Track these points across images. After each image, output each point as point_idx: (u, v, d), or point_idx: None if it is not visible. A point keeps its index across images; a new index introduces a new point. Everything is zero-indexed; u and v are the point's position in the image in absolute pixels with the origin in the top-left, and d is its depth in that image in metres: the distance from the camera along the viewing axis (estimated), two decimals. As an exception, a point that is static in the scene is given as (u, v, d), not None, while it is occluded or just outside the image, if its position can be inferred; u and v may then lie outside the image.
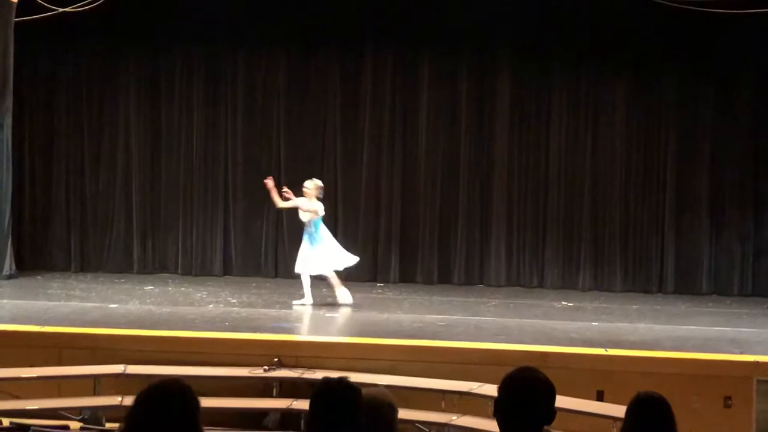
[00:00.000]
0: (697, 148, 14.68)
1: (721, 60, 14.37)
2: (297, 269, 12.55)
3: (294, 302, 12.49)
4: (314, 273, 12.46)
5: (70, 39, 14.70)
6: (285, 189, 12.40)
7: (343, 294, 12.51)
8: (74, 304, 12.39)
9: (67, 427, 8.12)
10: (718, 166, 14.66)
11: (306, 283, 12.44)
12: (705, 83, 14.60)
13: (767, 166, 14.52)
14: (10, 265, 13.98)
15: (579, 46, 14.52)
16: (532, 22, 14.46)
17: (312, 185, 12.41)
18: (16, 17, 13.39)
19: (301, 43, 14.87)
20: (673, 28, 14.07)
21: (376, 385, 6.03)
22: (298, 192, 12.42)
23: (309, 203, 12.38)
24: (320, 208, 12.40)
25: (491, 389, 9.01)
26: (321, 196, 12.45)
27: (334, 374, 7.17)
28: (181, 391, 3.19)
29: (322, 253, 12.37)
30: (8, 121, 13.88)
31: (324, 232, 12.48)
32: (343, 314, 12.28)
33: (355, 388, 3.53)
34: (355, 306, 12.50)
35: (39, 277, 14.27)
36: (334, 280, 12.52)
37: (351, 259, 12.63)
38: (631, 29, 14.27)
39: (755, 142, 14.60)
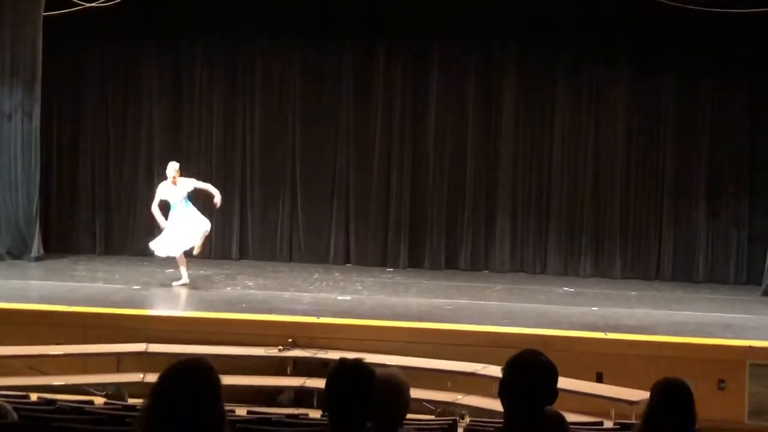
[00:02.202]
0: (695, 139, 14.79)
1: (718, 52, 14.43)
2: (174, 251, 12.44)
3: (175, 283, 12.57)
4: (176, 254, 12.48)
5: (95, 32, 14.87)
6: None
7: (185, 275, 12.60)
8: (99, 286, 12.65)
9: (91, 402, 8.30)
10: (716, 157, 14.78)
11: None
12: (703, 75, 14.70)
13: (762, 158, 14.65)
14: (38, 247, 14.26)
15: (582, 40, 14.66)
16: (537, 19, 14.62)
17: (171, 169, 12.37)
18: (45, 11, 13.66)
19: (316, 38, 15.05)
20: (673, 21, 14.13)
21: (385, 366, 6.30)
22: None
23: (175, 186, 12.34)
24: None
25: (495, 370, 9.18)
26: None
27: (346, 354, 7.47)
28: (204, 369, 3.13)
29: (183, 233, 12.37)
30: (36, 110, 14.18)
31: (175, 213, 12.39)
32: (354, 298, 12.48)
33: (369, 370, 3.58)
34: (364, 290, 12.72)
35: (65, 260, 14.49)
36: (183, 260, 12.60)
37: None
38: (632, 22, 14.37)
39: (751, 132, 14.69)
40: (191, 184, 12.41)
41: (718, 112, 14.78)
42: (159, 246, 12.43)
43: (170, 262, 14.62)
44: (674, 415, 4.08)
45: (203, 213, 12.60)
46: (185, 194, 12.32)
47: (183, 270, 12.57)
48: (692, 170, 14.88)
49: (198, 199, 12.74)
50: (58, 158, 15.39)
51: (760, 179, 14.71)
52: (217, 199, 12.55)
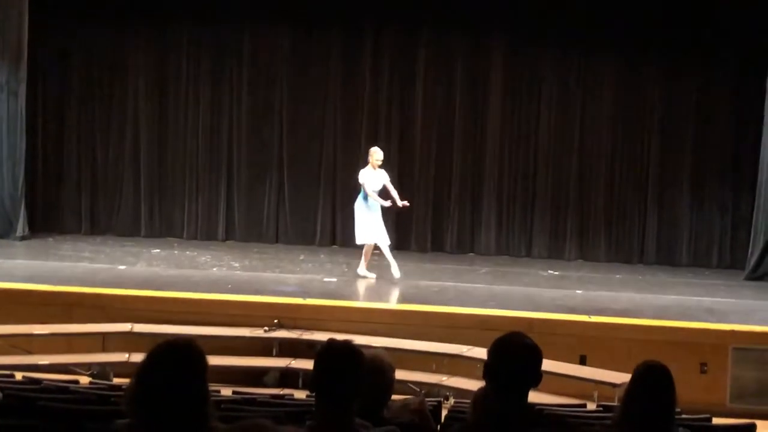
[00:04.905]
0: (680, 125, 14.85)
1: (704, 40, 14.48)
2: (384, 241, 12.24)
3: (396, 275, 12.22)
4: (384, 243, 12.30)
5: (82, 12, 14.84)
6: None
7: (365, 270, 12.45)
8: (84, 265, 12.62)
9: (76, 382, 8.26)
10: (700, 144, 14.83)
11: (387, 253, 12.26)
12: (689, 63, 14.74)
13: (746, 143, 14.64)
14: (24, 227, 14.24)
15: (570, 25, 14.65)
16: (525, 4, 14.64)
17: (374, 154, 12.24)
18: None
19: (304, 21, 15.00)
20: (661, 8, 14.29)
21: (371, 347, 6.32)
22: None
23: (374, 171, 12.21)
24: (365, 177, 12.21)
25: (480, 352, 9.32)
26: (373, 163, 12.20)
27: (331, 336, 7.50)
28: (190, 350, 3.18)
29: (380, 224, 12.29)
30: (22, 89, 14.12)
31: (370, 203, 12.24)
32: (340, 279, 12.52)
33: (358, 351, 3.62)
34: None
35: (51, 239, 14.46)
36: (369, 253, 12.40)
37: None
38: (621, 9, 14.41)
39: (736, 119, 14.75)
40: (386, 178, 12.26)
41: (703, 99, 14.82)
42: (369, 235, 12.22)
43: (155, 243, 14.65)
44: (654, 398, 4.11)
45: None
46: (381, 185, 12.18)
47: (391, 258, 12.28)
48: (677, 156, 14.92)
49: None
50: (43, 138, 15.29)
51: (744, 165, 14.72)
52: (394, 199, 12.26)
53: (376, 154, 12.23)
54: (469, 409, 4.90)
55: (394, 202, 12.25)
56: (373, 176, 12.18)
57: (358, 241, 12.38)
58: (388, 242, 12.35)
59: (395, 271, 12.22)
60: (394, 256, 12.38)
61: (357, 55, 15.13)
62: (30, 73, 14.31)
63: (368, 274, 12.39)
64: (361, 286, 12.22)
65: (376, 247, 12.35)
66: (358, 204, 12.26)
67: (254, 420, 3.21)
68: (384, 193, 12.26)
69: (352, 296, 11.44)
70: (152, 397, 3.11)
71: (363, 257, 12.41)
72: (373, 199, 12.14)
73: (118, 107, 15.32)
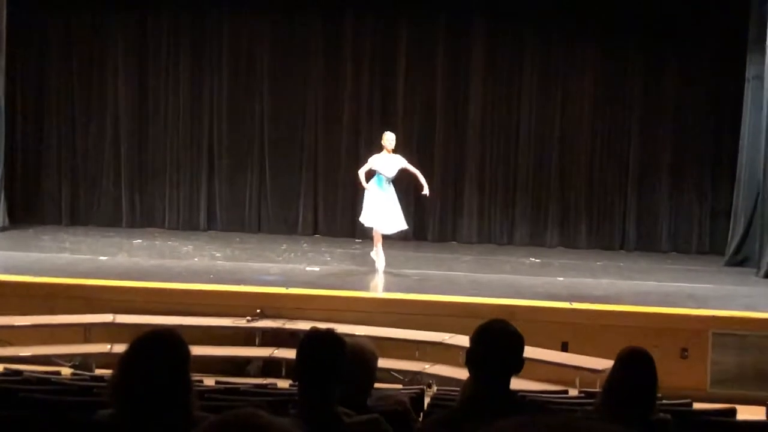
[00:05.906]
0: (660, 113, 14.89)
1: (685, 29, 14.54)
2: (386, 228, 12.11)
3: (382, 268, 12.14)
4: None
5: (60, 2, 14.78)
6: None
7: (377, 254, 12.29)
8: (65, 256, 12.54)
9: (58, 373, 8.21)
10: (679, 132, 14.90)
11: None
12: (668, 52, 14.79)
13: (726, 131, 14.70)
14: (3, 218, 14.17)
15: (551, 14, 14.68)
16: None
17: (388, 139, 12.03)
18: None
19: (285, 7, 14.95)
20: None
21: (354, 335, 6.34)
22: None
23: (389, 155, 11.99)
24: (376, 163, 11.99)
25: (462, 340, 9.33)
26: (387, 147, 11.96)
27: (314, 325, 7.50)
28: (172, 340, 3.23)
29: (394, 212, 12.11)
30: (1, 80, 13.97)
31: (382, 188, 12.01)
32: (322, 268, 12.51)
33: (340, 339, 3.66)
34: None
35: (31, 230, 14.36)
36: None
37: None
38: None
39: (715, 108, 14.82)
40: (403, 162, 12.00)
41: (683, 87, 14.86)
42: (374, 220, 12.01)
43: (137, 233, 14.59)
44: (636, 383, 4.14)
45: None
46: (396, 171, 11.94)
47: (380, 249, 12.13)
48: (657, 143, 14.97)
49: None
50: (22, 128, 15.19)
51: (723, 152, 14.76)
52: (426, 190, 12.08)
53: (387, 138, 12.01)
54: (458, 397, 4.93)
55: (422, 187, 12.09)
56: (384, 161, 11.94)
57: (362, 220, 12.27)
58: (389, 231, 12.17)
59: (380, 264, 12.14)
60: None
61: (338, 41, 15.09)
62: (8, 63, 14.19)
63: (373, 256, 12.25)
64: (344, 274, 12.18)
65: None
66: (370, 184, 11.99)
67: (249, 409, 3.21)
68: (404, 179, 12.17)
69: (335, 285, 11.38)
70: (135, 387, 3.13)
71: (373, 241, 12.27)
72: (361, 178, 11.95)
73: (97, 97, 15.22)
